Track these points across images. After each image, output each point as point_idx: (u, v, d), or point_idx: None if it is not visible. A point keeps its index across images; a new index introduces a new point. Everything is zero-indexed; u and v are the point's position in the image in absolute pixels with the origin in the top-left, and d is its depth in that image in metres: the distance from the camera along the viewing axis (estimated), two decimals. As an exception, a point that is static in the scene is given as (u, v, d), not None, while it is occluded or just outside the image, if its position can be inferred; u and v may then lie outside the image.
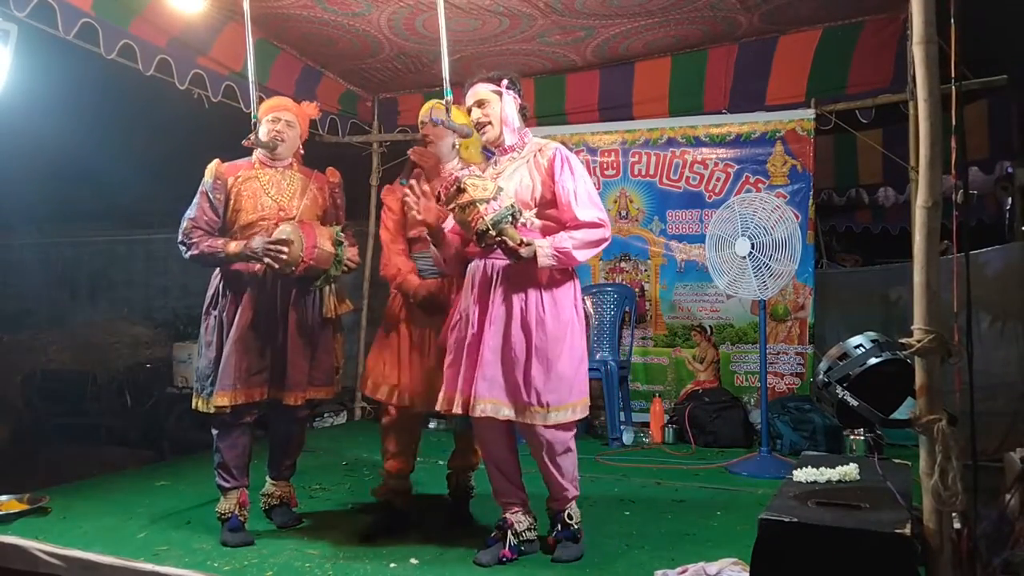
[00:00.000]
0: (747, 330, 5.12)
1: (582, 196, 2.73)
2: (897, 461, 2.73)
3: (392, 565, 2.79)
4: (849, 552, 1.97)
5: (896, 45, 4.58)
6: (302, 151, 3.37)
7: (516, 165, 2.85)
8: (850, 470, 2.46)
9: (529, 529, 2.89)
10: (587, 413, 2.85)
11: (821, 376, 3.75)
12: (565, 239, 2.69)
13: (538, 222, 2.79)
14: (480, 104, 2.86)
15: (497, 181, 2.77)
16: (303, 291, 3.19)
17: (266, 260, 3.00)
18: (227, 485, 3.11)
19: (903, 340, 2.06)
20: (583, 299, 2.88)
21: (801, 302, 5.02)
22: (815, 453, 3.43)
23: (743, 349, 5.15)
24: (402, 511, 3.21)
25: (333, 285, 3.26)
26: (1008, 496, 2.40)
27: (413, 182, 2.85)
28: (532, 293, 2.73)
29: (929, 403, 2.03)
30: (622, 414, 4.92)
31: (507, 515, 2.88)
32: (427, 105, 3.24)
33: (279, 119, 3.24)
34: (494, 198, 2.62)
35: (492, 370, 2.71)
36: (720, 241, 4.19)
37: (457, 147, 3.20)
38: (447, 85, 2.93)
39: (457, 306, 2.93)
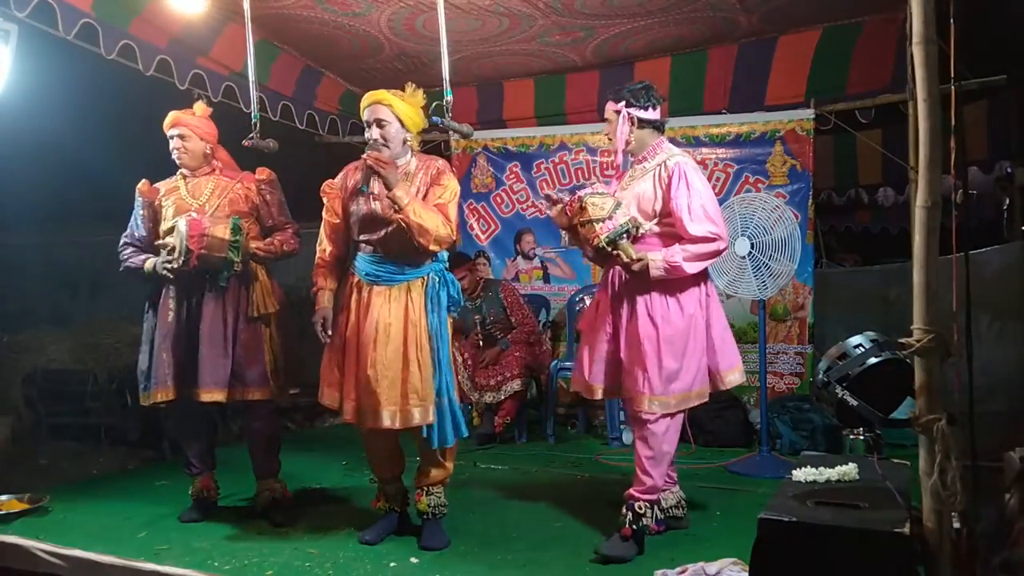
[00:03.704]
0: (747, 330, 5.12)
1: (696, 211, 2.86)
2: (896, 461, 2.74)
3: (392, 564, 2.79)
4: (848, 552, 1.97)
5: (896, 45, 4.57)
6: (207, 153, 3.42)
7: (644, 175, 3.00)
8: (849, 470, 2.46)
9: (677, 506, 3.11)
10: (705, 400, 3.01)
11: (821, 376, 3.77)
12: (677, 253, 2.84)
13: (658, 230, 2.94)
14: (607, 120, 3.06)
15: (622, 192, 3.01)
16: (221, 290, 3.27)
17: (164, 272, 3.22)
18: (190, 472, 3.43)
19: (902, 340, 2.06)
20: (702, 299, 3.00)
21: (801, 302, 5.02)
22: (814, 453, 3.43)
23: (743, 349, 5.05)
24: (401, 513, 3.21)
25: (259, 283, 3.33)
26: (1008, 496, 2.40)
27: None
28: (657, 291, 2.91)
29: (928, 403, 2.03)
30: (622, 413, 4.91)
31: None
32: (370, 98, 3.01)
33: (173, 136, 3.38)
34: (610, 217, 2.82)
35: (629, 364, 2.91)
36: (720, 241, 4.19)
37: (408, 142, 3.05)
38: (447, 85, 2.92)
39: (593, 302, 3.20)
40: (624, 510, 2.89)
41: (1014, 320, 4.54)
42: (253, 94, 3.32)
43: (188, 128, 3.37)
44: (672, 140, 5.21)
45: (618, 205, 2.88)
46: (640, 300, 2.92)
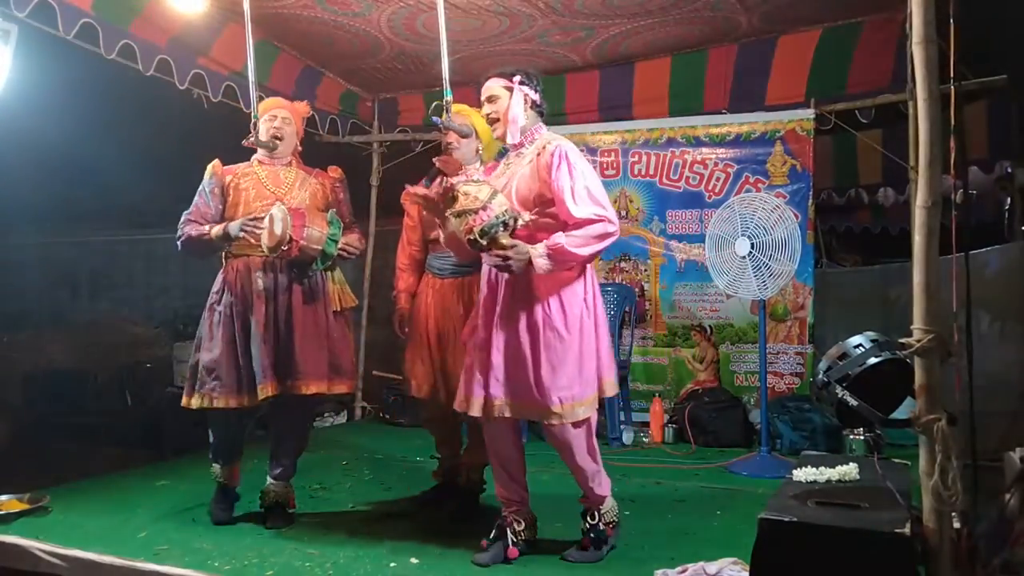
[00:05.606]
0: (747, 330, 5.12)
1: (579, 193, 2.64)
2: (897, 461, 2.74)
3: (392, 564, 2.79)
4: (849, 552, 1.97)
5: (896, 45, 4.58)
6: (299, 148, 3.44)
7: (521, 163, 2.80)
8: (850, 470, 2.47)
9: (528, 528, 2.90)
10: (595, 410, 2.80)
11: (821, 376, 3.76)
12: (560, 237, 2.61)
13: (536, 219, 2.71)
14: (490, 99, 2.84)
15: (501, 180, 2.80)
16: (310, 283, 3.25)
17: (241, 235, 3.12)
18: (219, 462, 3.35)
19: (903, 340, 2.07)
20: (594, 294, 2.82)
21: (801, 302, 5.02)
22: (815, 453, 3.43)
23: (743, 349, 5.15)
24: (459, 485, 3.46)
25: (335, 275, 3.34)
26: (1008, 496, 2.40)
27: (418, 190, 2.95)
28: (538, 293, 2.70)
29: (929, 403, 2.03)
30: (622, 414, 4.92)
31: (506, 513, 2.89)
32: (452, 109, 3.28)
33: (276, 116, 3.34)
34: (484, 208, 2.56)
35: (502, 372, 2.71)
36: (720, 241, 4.20)
37: (480, 151, 3.31)
38: (447, 85, 2.93)
39: (475, 308, 2.98)
40: (582, 518, 2.89)
41: (1014, 320, 4.54)
42: (253, 94, 3.31)
43: (291, 114, 3.40)
44: (672, 140, 5.31)
45: (495, 194, 2.61)
46: (520, 302, 2.71)
